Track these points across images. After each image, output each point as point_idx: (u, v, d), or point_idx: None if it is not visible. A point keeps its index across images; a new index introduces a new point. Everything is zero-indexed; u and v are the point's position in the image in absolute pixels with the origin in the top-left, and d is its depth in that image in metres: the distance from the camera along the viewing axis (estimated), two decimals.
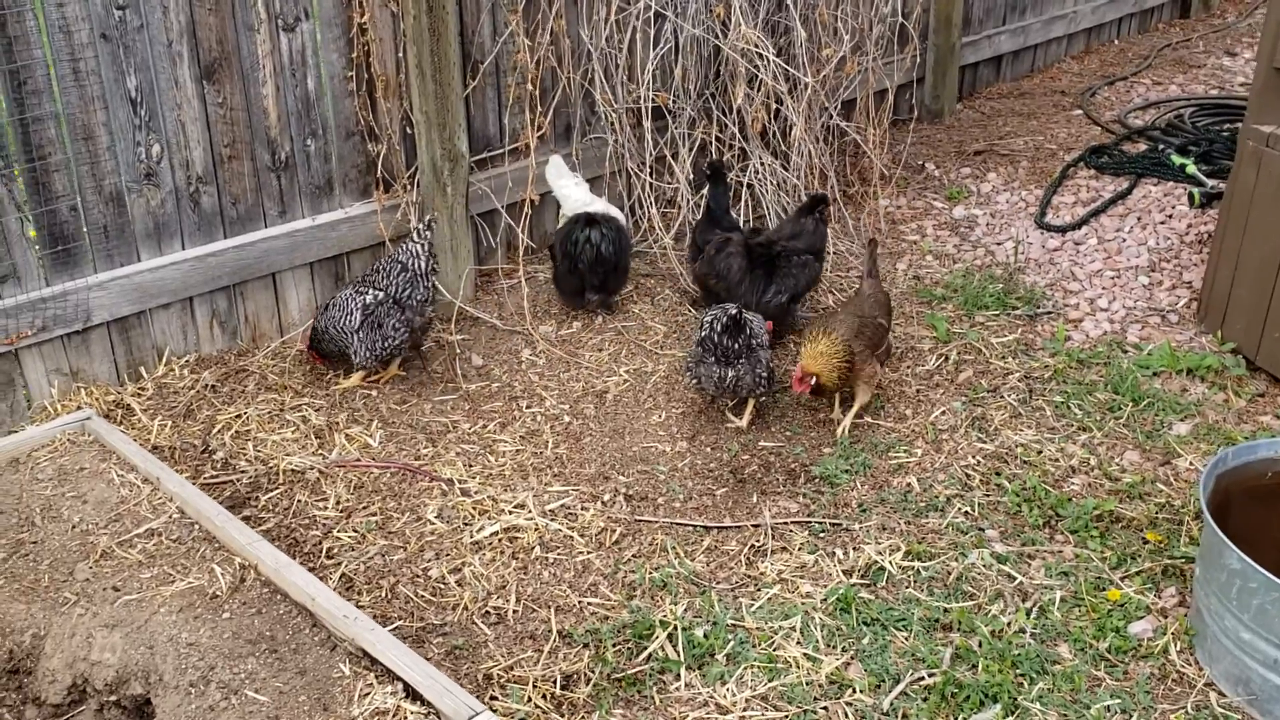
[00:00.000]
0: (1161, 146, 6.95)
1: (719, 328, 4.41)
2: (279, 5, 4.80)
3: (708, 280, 5.13)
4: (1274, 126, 4.88)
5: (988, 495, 4.17)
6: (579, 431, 4.61)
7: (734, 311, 4.39)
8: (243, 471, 4.34)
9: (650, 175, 5.86)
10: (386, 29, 5.12)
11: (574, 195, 5.68)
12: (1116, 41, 9.60)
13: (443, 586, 3.75)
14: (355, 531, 4.02)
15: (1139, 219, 6.21)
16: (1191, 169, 6.55)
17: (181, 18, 4.57)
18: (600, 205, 5.71)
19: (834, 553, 3.89)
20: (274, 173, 5.02)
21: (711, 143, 5.94)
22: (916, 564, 3.79)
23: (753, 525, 4.01)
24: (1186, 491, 4.17)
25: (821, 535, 3.97)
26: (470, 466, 4.38)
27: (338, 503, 4.16)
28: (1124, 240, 6.01)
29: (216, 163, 4.85)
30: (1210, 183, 6.38)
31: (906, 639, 3.49)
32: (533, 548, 3.91)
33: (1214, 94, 8.22)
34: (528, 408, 4.75)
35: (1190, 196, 6.29)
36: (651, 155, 5.78)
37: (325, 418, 4.69)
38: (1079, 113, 7.95)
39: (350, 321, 4.76)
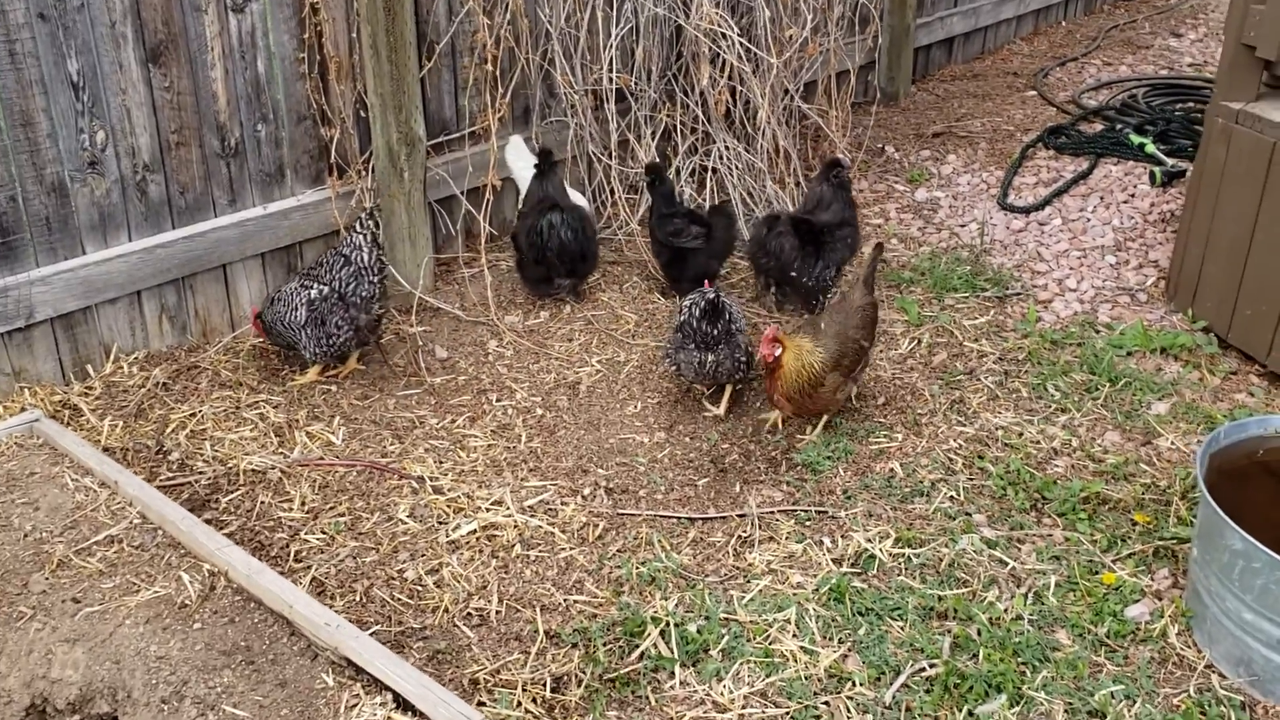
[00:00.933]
0: (1119, 126, 6.95)
1: (698, 312, 4.29)
2: None
3: (758, 258, 5.09)
4: (1243, 103, 4.86)
5: (972, 479, 4.10)
6: (553, 424, 4.46)
7: (712, 296, 4.28)
8: (200, 472, 4.14)
9: (613, 160, 5.71)
10: (339, 8, 4.92)
11: (526, 181, 5.52)
12: (1064, 23, 9.63)
13: (420, 588, 3.59)
14: (324, 533, 3.84)
15: (1101, 198, 6.19)
16: (1150, 148, 6.55)
17: None
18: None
19: (822, 541, 3.79)
20: (224, 159, 4.81)
21: (676, 126, 5.81)
22: (907, 551, 3.70)
23: (738, 515, 3.90)
24: (1170, 471, 4.13)
25: (808, 524, 3.87)
26: (441, 463, 4.22)
27: (303, 503, 3.98)
28: (1088, 220, 5.99)
29: (164, 150, 4.62)
30: (1170, 161, 6.38)
31: (903, 629, 3.40)
32: (513, 545, 3.76)
33: (1164, 74, 8.25)
34: (498, 401, 4.60)
35: (1151, 175, 6.28)
36: (615, 139, 5.63)
37: (284, 415, 4.49)
38: (1033, 94, 7.94)
39: (295, 317, 4.56)
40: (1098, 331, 5.05)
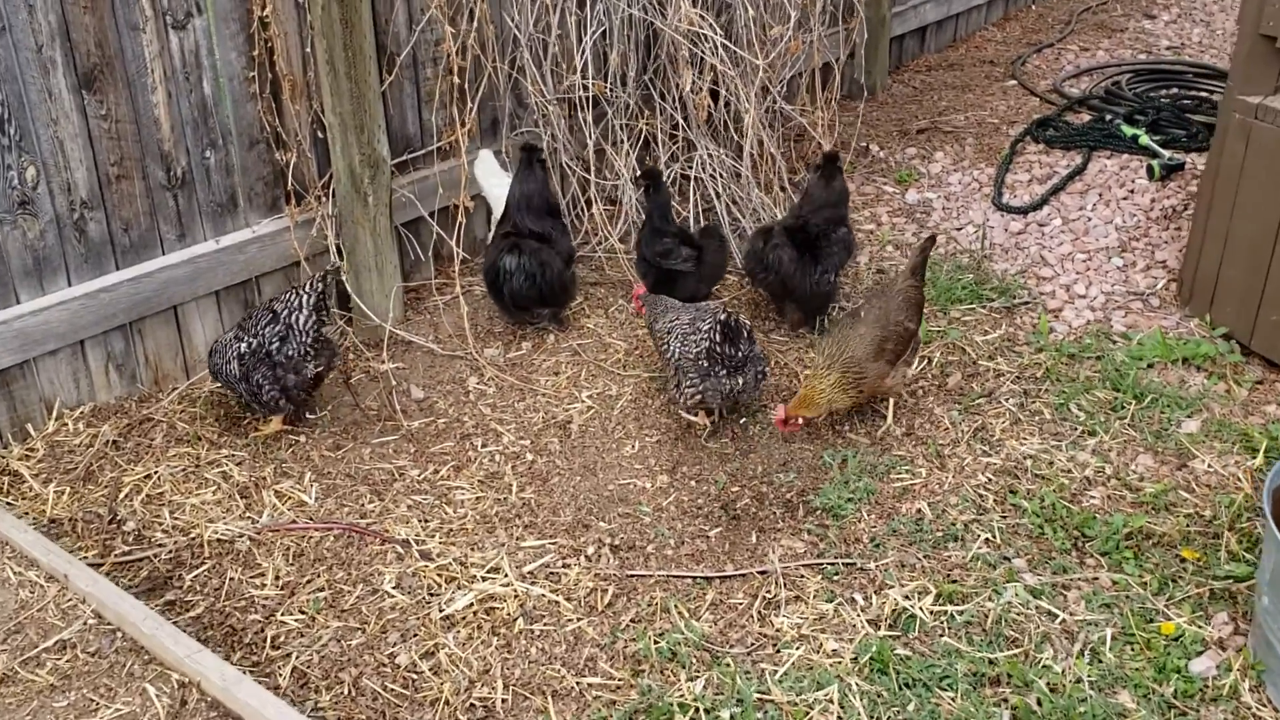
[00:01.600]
0: (1109, 117, 6.68)
1: (718, 336, 3.96)
2: (166, 0, 4.15)
3: (756, 274, 4.83)
4: (1261, 97, 4.58)
5: (1005, 518, 3.79)
6: (545, 471, 4.10)
7: (723, 316, 3.95)
8: (159, 545, 3.74)
9: (590, 171, 5.34)
10: (290, 21, 4.50)
11: (499, 198, 5.14)
12: (1034, 6, 9.35)
13: (415, 676, 3.22)
14: (302, 613, 3.46)
15: (1100, 195, 5.91)
16: (1145, 140, 6.28)
17: (51, 18, 3.90)
18: None
19: (854, 599, 3.46)
20: (170, 191, 4.38)
21: (658, 134, 5.44)
22: (949, 607, 3.38)
23: (759, 572, 3.56)
24: (1212, 499, 3.85)
25: (836, 578, 3.55)
26: (426, 522, 3.84)
27: (277, 578, 3.59)
28: (1089, 220, 5.71)
29: (103, 184, 4.19)
30: (1166, 154, 6.12)
31: (954, 700, 3.09)
32: (514, 619, 3.40)
33: (1142, 58, 8.00)
34: (483, 446, 4.22)
35: (1149, 169, 6.01)
36: (591, 148, 5.26)
37: (249, 473, 4.09)
38: (1013, 83, 7.65)
39: (231, 370, 4.16)
40: (1114, 342, 4.77)
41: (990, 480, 3.95)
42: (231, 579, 3.57)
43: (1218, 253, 4.80)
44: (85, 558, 3.63)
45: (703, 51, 5.19)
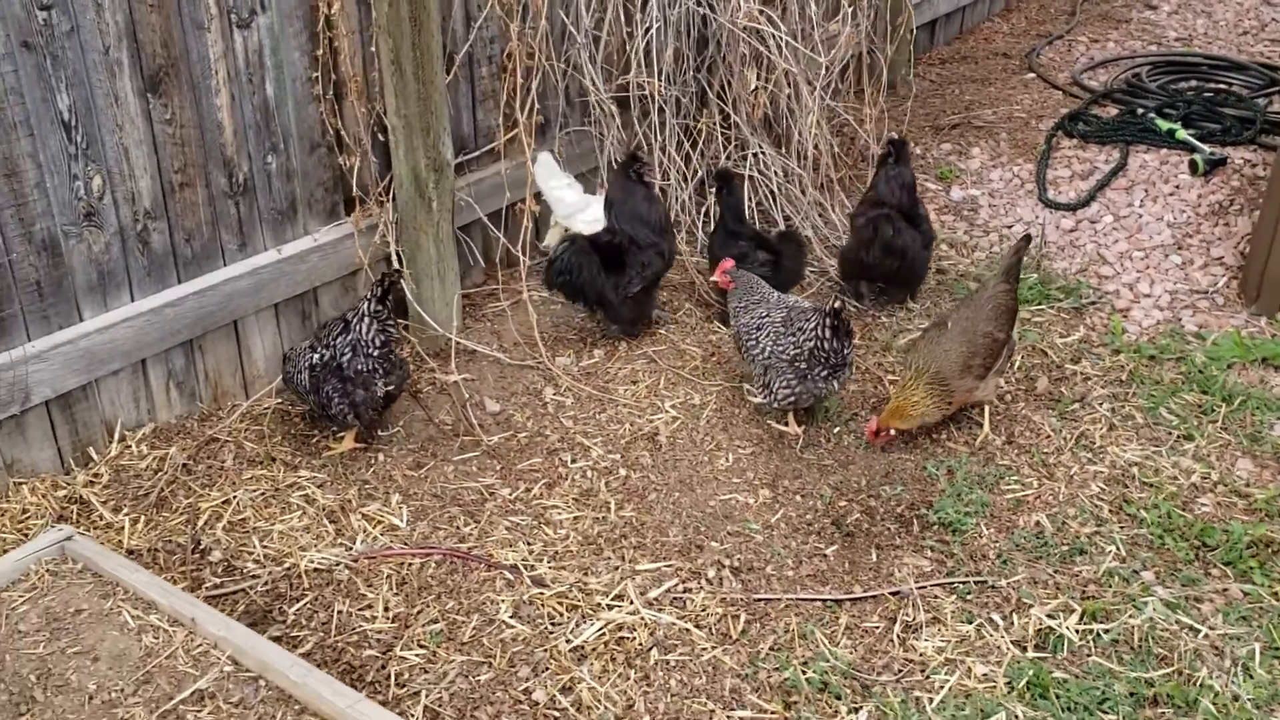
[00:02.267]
0: (1140, 111, 6.65)
1: (827, 332, 3.84)
2: None
3: (884, 261, 4.81)
4: None
5: (1124, 528, 3.72)
6: (641, 487, 3.95)
7: (837, 305, 3.83)
8: (254, 576, 3.54)
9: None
10: (353, 19, 4.29)
11: (566, 198, 4.98)
12: None
13: (556, 713, 3.07)
14: (421, 647, 3.29)
15: (1146, 191, 5.88)
16: (1182, 134, 6.26)
17: (119, 17, 3.66)
18: (594, 209, 5.03)
19: (993, 619, 3.37)
20: (232, 199, 4.16)
21: (715, 132, 5.30)
22: (1095, 625, 3.30)
23: (891, 594, 3.45)
24: None
25: (970, 598, 3.45)
26: (529, 545, 3.69)
27: (386, 609, 3.42)
28: (1140, 216, 5.67)
29: (166, 193, 3.97)
30: (1207, 149, 6.09)
31: None
32: (648, 649, 3.26)
33: (1154, 49, 8.00)
34: (573, 462, 4.06)
35: (1192, 164, 5.99)
36: (656, 146, 5.10)
37: (333, 495, 3.90)
38: (1032, 76, 7.61)
39: (302, 381, 3.98)
40: (1189, 343, 4.73)
41: (1103, 490, 3.88)
42: (339, 612, 3.39)
43: None
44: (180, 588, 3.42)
45: (766, 49, 5.05)
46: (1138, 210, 5.73)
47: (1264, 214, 4.96)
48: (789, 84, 5.12)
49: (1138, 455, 4.06)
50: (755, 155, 5.36)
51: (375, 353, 3.93)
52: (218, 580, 3.53)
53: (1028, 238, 4.36)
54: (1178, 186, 5.89)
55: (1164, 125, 6.37)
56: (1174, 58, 7.65)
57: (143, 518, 3.77)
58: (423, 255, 4.60)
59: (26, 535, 3.58)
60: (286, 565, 3.58)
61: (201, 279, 4.11)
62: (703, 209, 5.28)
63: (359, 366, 3.93)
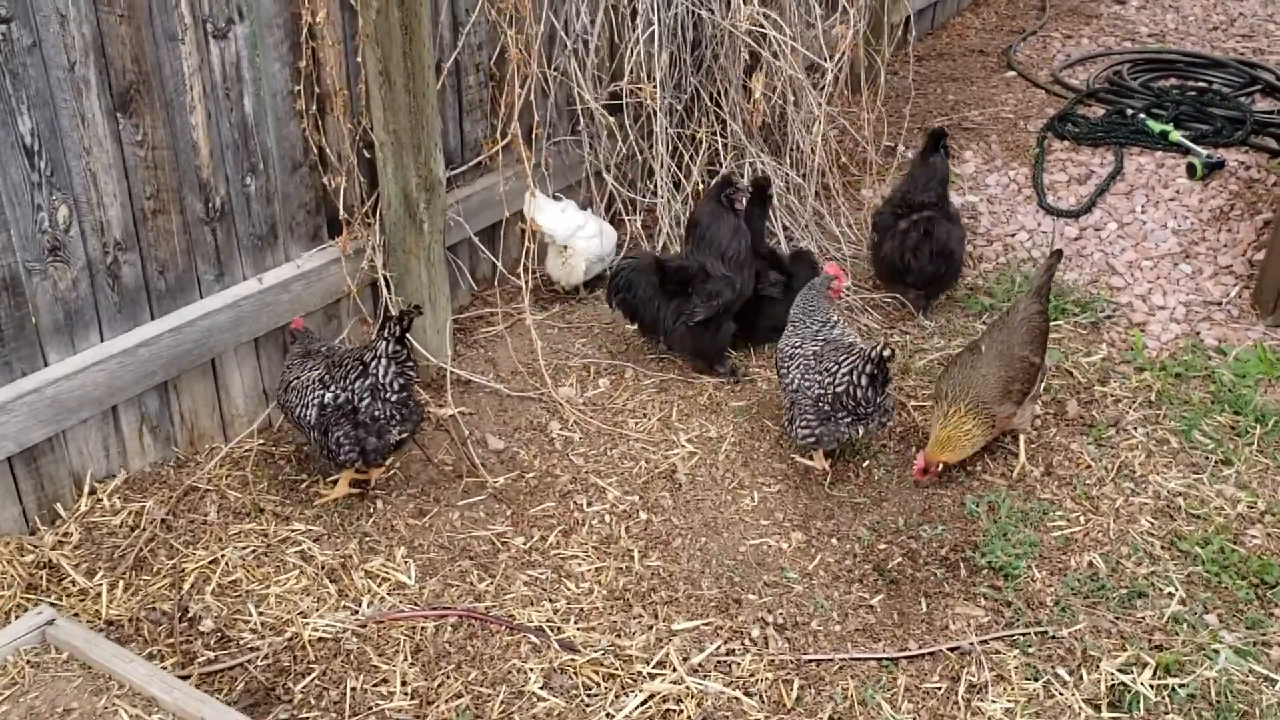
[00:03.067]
0: (1129, 111, 6.49)
1: (865, 380, 3.57)
2: (207, 5, 3.56)
3: (926, 268, 4.65)
4: None
5: (1178, 565, 3.53)
6: (664, 533, 3.68)
7: (886, 352, 3.56)
8: (252, 649, 3.21)
9: (640, 181, 4.92)
10: (340, 28, 3.94)
11: (559, 229, 4.67)
12: None
13: None
14: None
15: (1146, 196, 5.72)
16: (1176, 136, 6.11)
17: (85, 30, 3.29)
18: (593, 224, 4.75)
19: (1059, 674, 3.15)
20: (208, 225, 3.80)
21: (717, 139, 5.03)
22: (1169, 680, 3.10)
23: (950, 650, 3.22)
24: None
25: (1031, 651, 3.23)
26: (552, 601, 3.40)
27: (404, 683, 3.11)
28: (1145, 224, 5.51)
29: (138, 221, 3.60)
30: (1204, 152, 5.95)
31: None
32: None
33: (1129, 46, 7.88)
34: (589, 505, 3.78)
35: (1190, 168, 5.85)
36: (663, 152, 4.81)
37: (331, 550, 3.58)
38: (1011, 74, 7.44)
39: (307, 415, 3.65)
40: (1211, 358, 4.56)
41: (1152, 525, 3.69)
42: (353, 689, 3.07)
43: None
44: (165, 667, 3.09)
45: (767, 52, 4.78)
46: (1140, 217, 5.57)
47: (1277, 224, 4.81)
48: (792, 90, 4.86)
49: (1180, 484, 3.87)
50: (752, 165, 5.10)
51: (394, 398, 3.60)
52: (212, 654, 3.19)
53: (1059, 253, 4.18)
54: (1178, 191, 5.74)
55: (1156, 127, 6.22)
56: (1152, 55, 7.52)
57: (121, 582, 3.42)
58: (412, 280, 4.28)
59: None
60: (288, 635, 3.25)
61: (177, 314, 3.76)
62: None
63: (375, 413, 3.60)
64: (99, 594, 3.36)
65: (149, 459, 3.86)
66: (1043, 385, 4.04)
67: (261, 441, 4.02)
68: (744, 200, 4.32)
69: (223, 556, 3.51)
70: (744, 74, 5.03)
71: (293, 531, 3.64)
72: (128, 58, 3.41)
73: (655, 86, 4.79)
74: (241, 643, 3.23)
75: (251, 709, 3.04)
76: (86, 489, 3.68)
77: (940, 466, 3.76)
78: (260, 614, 3.32)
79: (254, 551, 3.55)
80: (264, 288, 3.96)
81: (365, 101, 4.06)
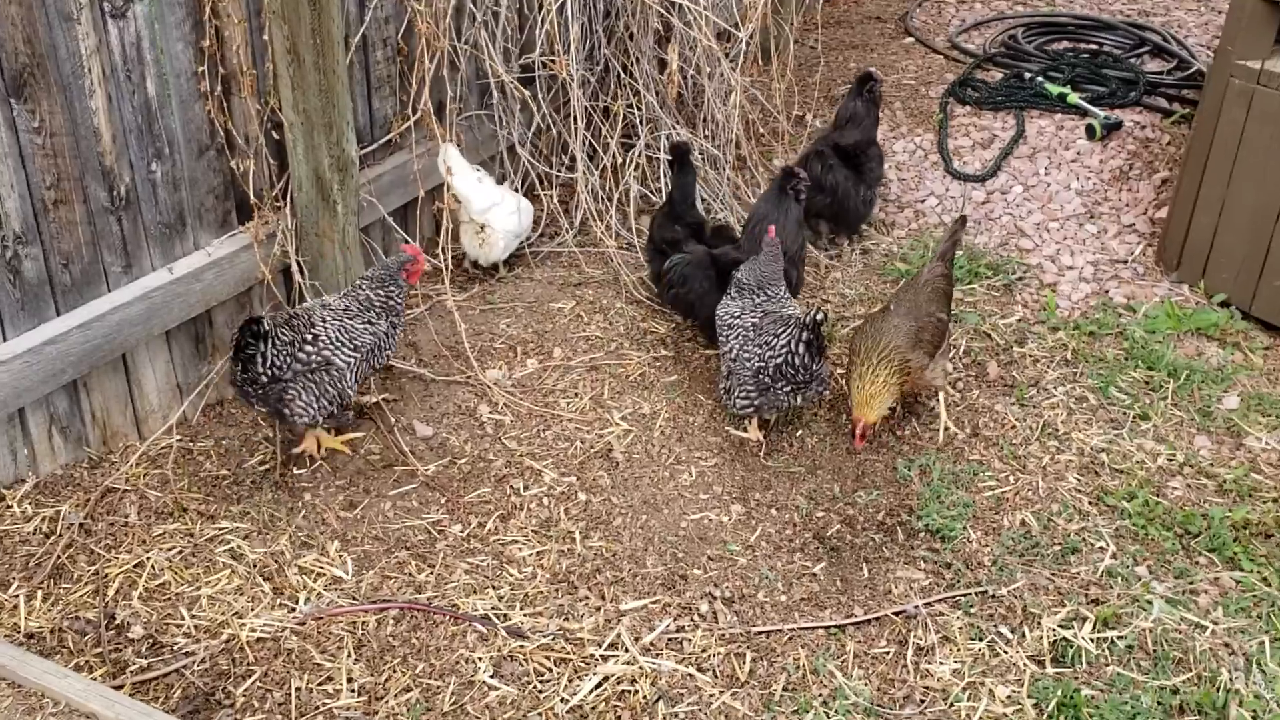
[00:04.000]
0: (1028, 75, 6.61)
1: (801, 348, 3.58)
2: None
3: (814, 201, 4.71)
4: (1260, 61, 4.55)
5: (1107, 519, 3.63)
6: (604, 512, 3.65)
7: (820, 316, 3.56)
8: (187, 654, 3.10)
9: (554, 155, 4.84)
10: (244, 5, 3.79)
11: (479, 194, 4.57)
12: None
13: None
14: None
15: (1049, 159, 5.84)
16: (1074, 98, 6.24)
17: None
18: (511, 201, 4.67)
19: (1001, 632, 3.22)
20: (114, 214, 3.63)
21: (633, 111, 4.98)
22: (1108, 633, 3.18)
23: (895, 614, 3.25)
24: None
25: (973, 611, 3.28)
26: (495, 588, 3.35)
27: (350, 680, 3.03)
28: (1049, 185, 5.62)
29: (38, 212, 3.42)
30: (1102, 113, 6.09)
31: None
32: (654, 702, 2.98)
33: (1021, 9, 8.02)
34: (525, 489, 3.72)
35: (1089, 129, 5.97)
36: (581, 127, 4.74)
37: (263, 548, 3.47)
38: (910, 40, 7.51)
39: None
40: (1121, 315, 4.68)
41: (1079, 481, 3.77)
42: (298, 689, 2.98)
43: (1212, 220, 4.77)
44: (95, 678, 2.96)
45: (680, 22, 4.74)
46: (1045, 179, 5.68)
47: (1181, 183, 4.95)
48: (706, 60, 4.83)
49: (1101, 440, 3.97)
50: (668, 136, 5.06)
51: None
52: (143, 662, 3.08)
53: (962, 219, 4.30)
54: (1079, 153, 5.87)
55: (1054, 90, 6.34)
56: (1045, 18, 7.65)
57: (39, 591, 3.26)
58: (327, 265, 4.16)
59: None
60: (224, 637, 3.14)
61: (85, 308, 3.59)
62: (615, 198, 4.95)
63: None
64: (15, 606, 3.21)
65: (60, 461, 3.69)
66: (950, 343, 4.08)
67: (179, 438, 3.88)
68: (804, 191, 4.31)
69: (148, 559, 3.37)
70: (655, 44, 4.98)
71: (220, 530, 3.51)
72: (19, 39, 3.23)
73: (568, 58, 4.71)
74: (175, 648, 3.12)
75: (191, 715, 2.93)
76: None
77: (874, 428, 3.78)
78: (193, 617, 3.20)
79: (180, 552, 3.42)
80: (175, 278, 3.80)
81: (273, 80, 3.91)
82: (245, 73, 3.81)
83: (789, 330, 3.67)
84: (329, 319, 3.65)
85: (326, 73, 3.88)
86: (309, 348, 3.57)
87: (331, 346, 3.60)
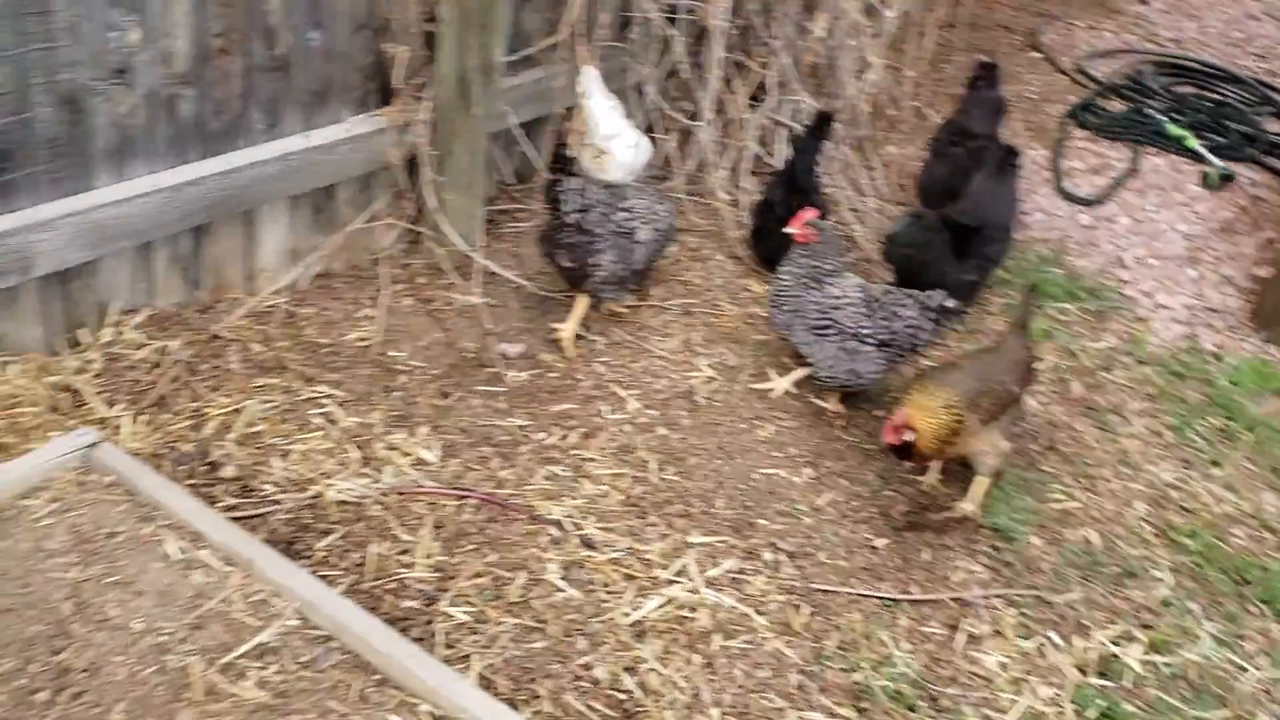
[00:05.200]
0: (1149, 111, 6.60)
1: (929, 327, 3.84)
2: None
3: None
4: None
5: (1169, 552, 3.69)
6: (680, 450, 3.74)
7: (948, 303, 3.83)
8: (274, 501, 3.22)
9: (681, 101, 4.91)
10: None
11: (604, 122, 4.63)
12: None
13: (620, 696, 2.87)
14: (469, 604, 3.03)
15: (1160, 198, 5.85)
16: (1193, 143, 6.24)
17: None
18: (631, 135, 4.72)
19: (1051, 638, 3.29)
20: (267, 73, 3.73)
21: (766, 73, 5.02)
22: (1155, 657, 3.25)
23: (954, 600, 3.34)
24: None
25: (1028, 612, 3.36)
26: (571, 498, 3.45)
27: (428, 557, 3.14)
28: (1156, 223, 5.63)
29: (202, 58, 3.52)
30: (1219, 163, 6.08)
31: None
32: (710, 634, 3.08)
33: (1150, 46, 7.98)
34: (611, 413, 3.81)
35: (1206, 177, 5.98)
36: (715, 76, 4.79)
37: (356, 416, 3.58)
38: (1037, 55, 7.49)
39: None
40: (1208, 362, 4.72)
41: (1148, 512, 3.83)
42: (375, 554, 3.10)
43: None
44: None
45: None
46: (1153, 216, 5.70)
47: None
48: (855, 33, 4.86)
49: (1173, 477, 4.02)
50: (796, 104, 5.10)
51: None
52: (233, 500, 3.20)
53: (1033, 288, 4.05)
54: (1191, 197, 5.88)
55: (1175, 131, 6.34)
56: (1175, 59, 7.62)
57: (143, 416, 3.39)
58: (454, 162, 4.24)
59: (18, 425, 3.17)
60: (311, 493, 3.26)
61: (225, 158, 3.70)
62: (734, 155, 5.00)
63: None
64: (120, 425, 3.33)
65: (173, 298, 3.81)
66: (1016, 423, 3.84)
67: (285, 300, 3.99)
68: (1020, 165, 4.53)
69: (246, 406, 3.49)
70: (802, 9, 5.01)
71: (316, 393, 3.63)
72: None
73: (715, 6, 4.75)
74: (264, 495, 3.24)
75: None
76: (109, 319, 3.62)
77: (909, 433, 3.51)
78: (285, 469, 3.32)
79: (277, 407, 3.54)
80: (311, 145, 3.91)
81: None
82: None
83: (912, 306, 3.77)
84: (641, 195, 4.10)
85: None
86: (621, 213, 3.95)
87: (639, 220, 3.97)
